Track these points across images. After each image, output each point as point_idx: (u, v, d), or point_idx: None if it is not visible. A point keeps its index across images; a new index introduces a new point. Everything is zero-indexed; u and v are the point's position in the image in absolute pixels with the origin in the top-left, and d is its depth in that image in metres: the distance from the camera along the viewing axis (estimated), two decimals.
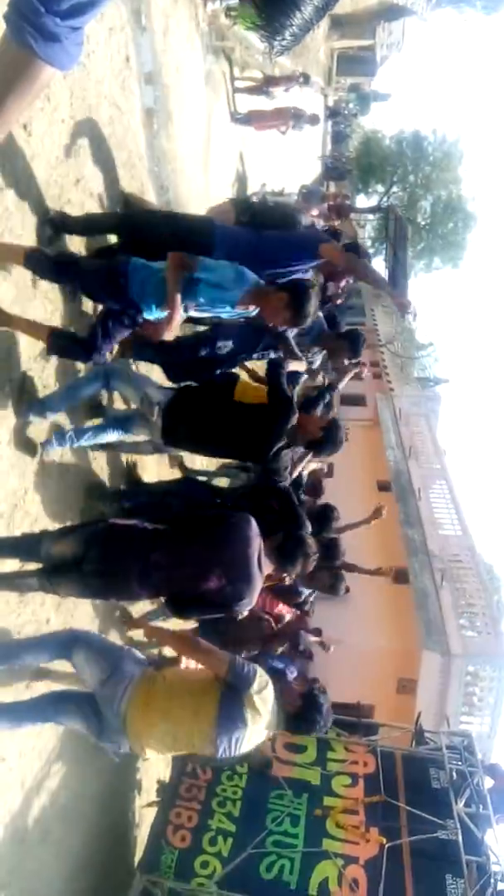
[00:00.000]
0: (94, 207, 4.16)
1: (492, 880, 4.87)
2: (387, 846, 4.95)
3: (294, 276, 3.93)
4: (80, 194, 3.97)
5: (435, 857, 5.01)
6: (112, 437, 3.87)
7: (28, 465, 3.41)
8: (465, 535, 13.07)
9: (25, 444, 3.37)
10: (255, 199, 5.44)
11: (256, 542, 2.92)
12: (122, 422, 3.89)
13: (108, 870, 4.76)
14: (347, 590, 4.89)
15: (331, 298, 5.17)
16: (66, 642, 3.01)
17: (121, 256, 3.32)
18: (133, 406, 3.95)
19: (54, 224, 3.55)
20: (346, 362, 4.71)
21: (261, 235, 4.02)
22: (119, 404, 4.51)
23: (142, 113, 5.33)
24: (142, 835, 5.35)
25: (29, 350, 3.38)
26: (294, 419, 3.53)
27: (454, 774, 5.67)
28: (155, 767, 5.68)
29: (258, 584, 2.88)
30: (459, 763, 5.83)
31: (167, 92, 6.11)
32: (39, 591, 3.04)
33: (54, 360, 3.63)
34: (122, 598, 3.05)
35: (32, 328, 3.22)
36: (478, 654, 10.38)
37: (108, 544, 2.81)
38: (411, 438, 15.70)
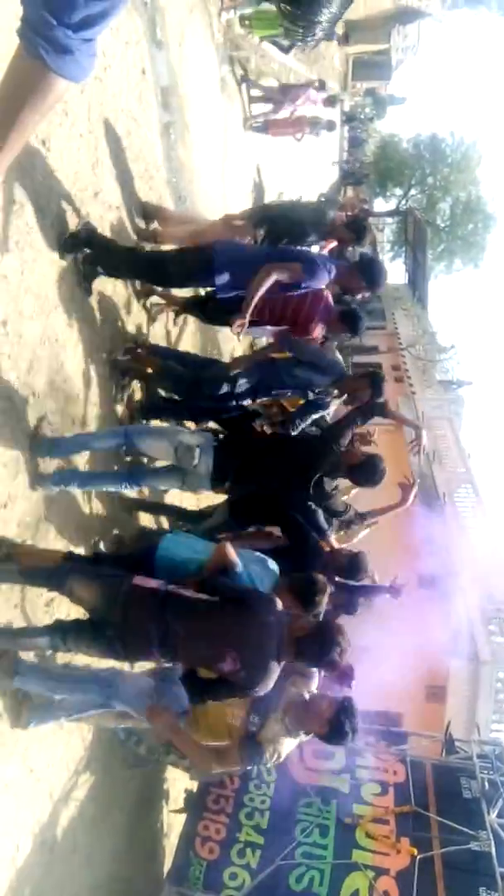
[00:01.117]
0: (113, 220, 4.21)
1: None
2: (418, 858, 4.87)
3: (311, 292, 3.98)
4: (100, 207, 4.01)
5: (468, 869, 4.91)
6: (121, 488, 3.83)
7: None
8: (493, 539, 12.88)
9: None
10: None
11: (277, 631, 2.78)
12: (138, 477, 3.85)
13: (136, 880, 4.76)
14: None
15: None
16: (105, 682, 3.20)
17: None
18: (159, 463, 3.91)
19: (79, 237, 3.58)
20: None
21: (272, 249, 4.03)
22: None
23: (159, 124, 5.38)
24: (170, 844, 5.33)
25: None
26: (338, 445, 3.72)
27: (486, 784, 5.56)
28: (183, 777, 5.66)
29: (274, 673, 2.77)
30: (491, 772, 5.72)
31: (183, 103, 6.16)
32: (49, 649, 2.96)
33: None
34: (142, 659, 2.98)
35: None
36: None
37: (131, 609, 2.74)
38: (435, 442, 15.53)
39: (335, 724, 3.01)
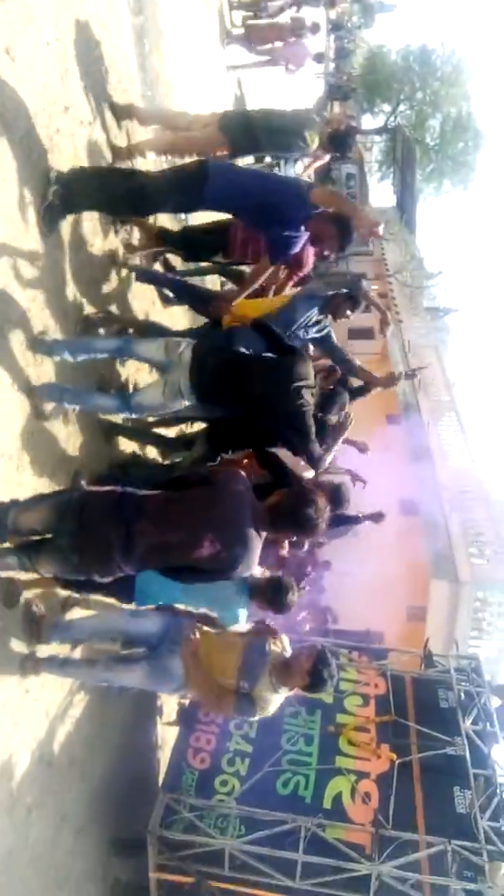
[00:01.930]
0: (84, 136, 4.01)
1: (498, 791, 5.10)
2: (397, 762, 5.19)
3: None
4: (70, 122, 3.82)
5: (443, 771, 5.25)
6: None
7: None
8: (475, 466, 13.12)
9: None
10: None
11: (249, 499, 2.64)
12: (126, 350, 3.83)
13: (132, 790, 5.03)
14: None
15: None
16: None
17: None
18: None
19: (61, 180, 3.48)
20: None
21: (255, 182, 3.84)
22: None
23: (131, 32, 5.05)
24: (164, 756, 5.62)
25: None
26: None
27: (462, 695, 5.87)
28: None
29: (256, 546, 2.61)
30: (467, 684, 6.03)
31: (157, 9, 5.78)
32: (19, 570, 2.77)
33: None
34: (104, 572, 2.64)
35: None
36: (487, 580, 10.58)
37: (84, 514, 2.53)
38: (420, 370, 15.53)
39: (315, 674, 3.29)
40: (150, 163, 4.75)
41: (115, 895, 4.78)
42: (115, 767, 4.68)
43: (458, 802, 5.03)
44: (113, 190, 3.69)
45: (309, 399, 3.60)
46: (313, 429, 3.62)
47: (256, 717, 3.67)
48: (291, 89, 15.24)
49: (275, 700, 3.47)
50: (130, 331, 4.58)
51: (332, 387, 4.48)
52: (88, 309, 4.11)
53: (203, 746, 5.19)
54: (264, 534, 2.65)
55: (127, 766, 4.95)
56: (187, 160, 4.22)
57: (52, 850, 3.82)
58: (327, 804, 4.93)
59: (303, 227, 3.79)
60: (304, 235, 3.87)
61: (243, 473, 2.74)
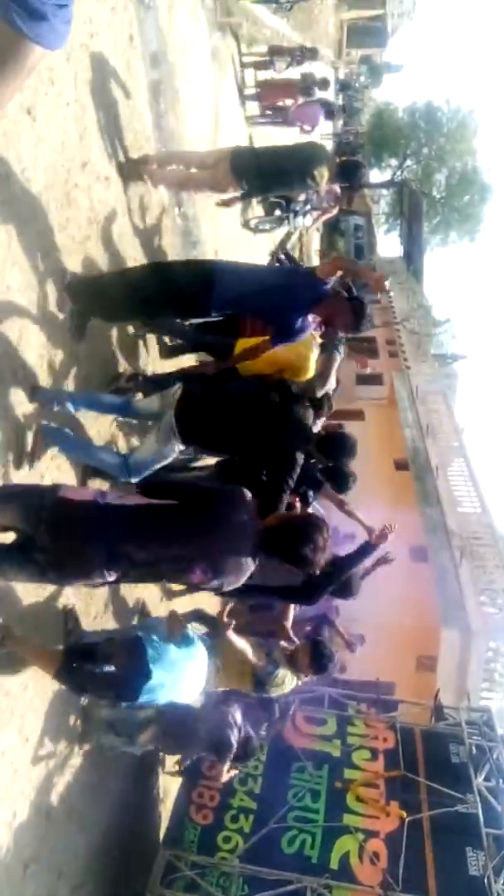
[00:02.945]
0: (101, 191, 4.15)
1: None
2: (407, 820, 5.02)
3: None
4: (88, 177, 3.96)
5: (455, 830, 5.07)
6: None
7: None
8: (485, 512, 13.00)
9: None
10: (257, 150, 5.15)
11: (250, 528, 2.41)
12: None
13: (132, 844, 4.87)
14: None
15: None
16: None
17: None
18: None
19: (71, 289, 3.56)
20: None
21: (261, 271, 3.92)
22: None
23: (148, 93, 5.28)
24: (166, 810, 5.46)
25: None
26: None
27: (474, 749, 5.72)
28: None
29: (248, 572, 2.43)
30: (479, 738, 5.87)
31: (173, 71, 6.04)
32: None
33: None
34: (87, 584, 2.43)
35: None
36: (499, 630, 10.36)
37: (60, 530, 2.24)
38: (428, 416, 15.58)
39: (317, 662, 4.07)
40: (161, 197, 4.82)
41: None
42: (114, 820, 4.55)
43: (471, 864, 4.85)
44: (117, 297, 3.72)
45: (301, 452, 3.54)
46: (291, 480, 3.47)
47: (273, 694, 4.26)
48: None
49: (289, 681, 4.18)
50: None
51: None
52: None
53: (206, 802, 5.06)
54: (259, 556, 2.45)
55: (127, 820, 4.81)
56: (198, 195, 4.22)
57: None
58: (334, 864, 4.76)
59: (311, 310, 3.72)
60: (313, 318, 3.82)
61: (248, 495, 2.47)
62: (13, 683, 3.25)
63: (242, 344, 4.38)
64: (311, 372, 4.31)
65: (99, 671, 3.46)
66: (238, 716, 4.23)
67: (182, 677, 3.59)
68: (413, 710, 6.52)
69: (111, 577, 2.35)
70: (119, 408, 3.80)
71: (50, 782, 3.72)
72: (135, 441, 4.51)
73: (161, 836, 5.13)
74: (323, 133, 20.80)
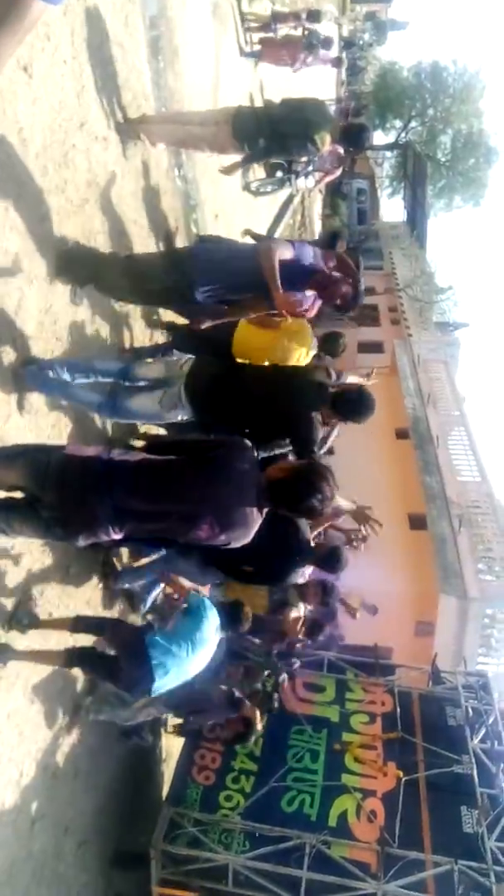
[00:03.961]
0: (99, 152, 4.06)
1: None
2: (404, 780, 5.14)
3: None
4: (86, 138, 3.87)
5: (450, 789, 5.20)
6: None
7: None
8: (484, 481, 13.02)
9: None
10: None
11: (253, 477, 2.38)
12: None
13: (136, 803, 5.01)
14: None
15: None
16: None
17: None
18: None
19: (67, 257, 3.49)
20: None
21: (240, 246, 3.83)
22: None
23: (146, 50, 5.13)
24: (168, 770, 5.59)
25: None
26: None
27: (470, 712, 5.82)
28: None
29: (255, 522, 2.40)
30: (475, 701, 5.98)
31: (172, 27, 5.86)
32: None
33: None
34: (92, 539, 2.47)
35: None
36: (496, 597, 10.48)
37: (65, 487, 2.25)
38: (430, 385, 15.50)
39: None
40: (160, 158, 4.71)
41: None
42: (119, 780, 4.66)
43: (466, 822, 4.99)
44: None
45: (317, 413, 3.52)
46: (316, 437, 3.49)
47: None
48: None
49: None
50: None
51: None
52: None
53: (208, 764, 5.17)
54: (265, 510, 2.41)
55: (131, 779, 4.93)
56: (198, 155, 4.07)
57: (54, 862, 3.81)
58: (332, 822, 4.89)
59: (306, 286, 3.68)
60: (310, 294, 3.79)
61: (249, 445, 2.45)
62: (20, 645, 3.30)
63: (239, 343, 4.25)
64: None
65: (103, 658, 3.65)
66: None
67: (188, 670, 3.57)
68: (411, 675, 6.63)
69: (117, 535, 2.36)
70: (117, 374, 3.69)
71: (56, 743, 3.80)
72: None
73: (164, 794, 5.27)
74: (328, 100, 20.32)
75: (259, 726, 4.41)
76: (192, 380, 3.43)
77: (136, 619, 4.60)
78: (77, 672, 3.95)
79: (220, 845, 4.71)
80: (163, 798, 5.23)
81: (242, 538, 2.40)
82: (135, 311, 4.77)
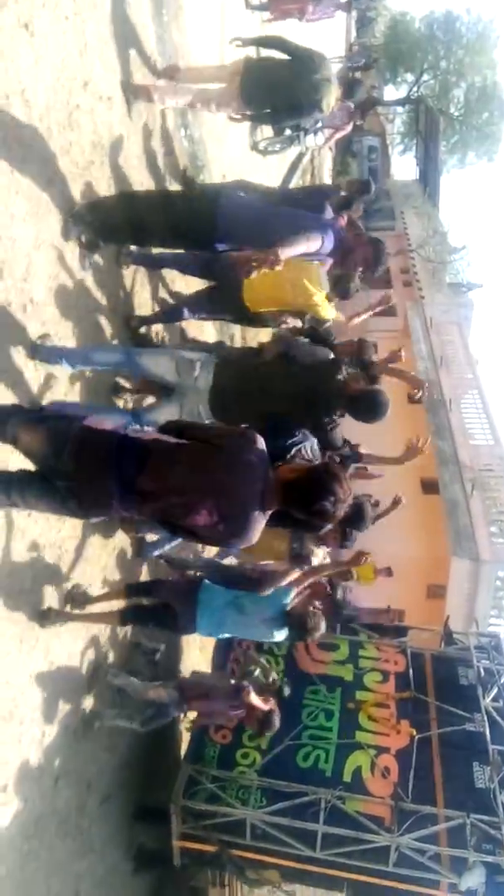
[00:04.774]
0: (104, 113, 3.97)
1: None
2: (417, 737, 5.23)
3: None
4: (90, 98, 3.78)
5: (463, 746, 5.29)
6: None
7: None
8: (498, 444, 12.96)
9: None
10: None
11: (261, 472, 2.35)
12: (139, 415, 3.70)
13: (155, 761, 5.14)
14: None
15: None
16: None
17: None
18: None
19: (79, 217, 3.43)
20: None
21: (269, 212, 3.74)
22: None
23: (150, 5, 4.97)
24: (185, 731, 5.72)
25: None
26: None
27: (482, 672, 5.89)
28: (198, 664, 6.01)
29: (258, 523, 2.34)
30: (487, 661, 6.04)
31: None
32: (7, 506, 2.55)
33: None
34: (101, 516, 2.52)
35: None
36: None
37: (82, 457, 2.30)
38: (442, 348, 15.32)
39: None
40: (166, 118, 4.67)
41: (138, 861, 4.92)
42: (139, 738, 4.78)
43: (478, 777, 5.08)
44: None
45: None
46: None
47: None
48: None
49: (320, 553, 4.27)
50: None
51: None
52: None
53: (224, 723, 5.27)
54: (269, 512, 2.36)
55: (151, 738, 5.04)
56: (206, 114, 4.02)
57: (78, 816, 3.94)
58: (347, 777, 5.00)
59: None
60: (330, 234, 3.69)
61: (260, 439, 2.41)
62: (37, 613, 3.36)
63: (250, 284, 4.23)
64: (325, 313, 4.15)
65: (154, 609, 4.16)
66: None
67: (227, 623, 4.07)
68: (423, 636, 6.70)
69: (126, 512, 2.40)
70: (121, 364, 3.62)
71: (77, 703, 3.89)
72: None
73: (183, 753, 5.40)
74: (336, 57, 19.63)
75: (274, 710, 4.52)
76: (216, 396, 3.39)
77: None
78: (99, 633, 4.03)
79: (238, 801, 4.84)
80: (182, 756, 5.36)
81: (242, 535, 2.34)
82: (142, 280, 4.72)
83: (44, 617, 3.42)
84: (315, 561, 4.27)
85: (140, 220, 3.61)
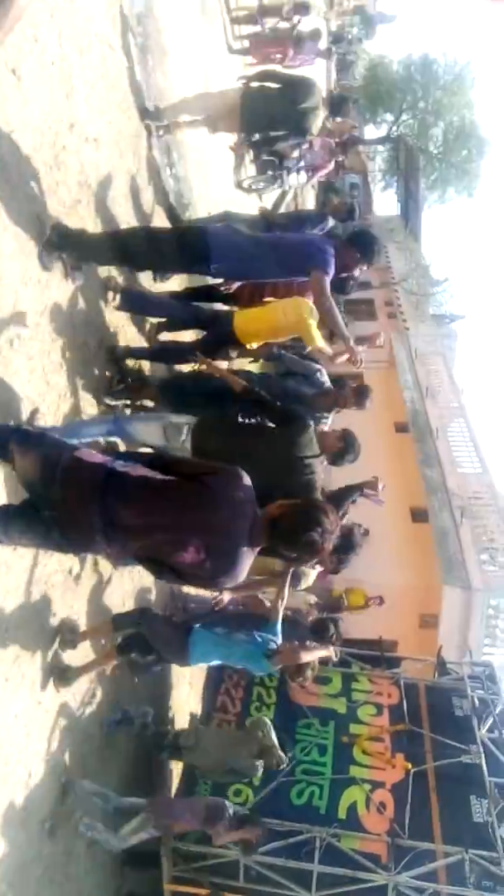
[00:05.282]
0: (90, 153, 4.07)
1: None
2: (412, 771, 5.15)
3: None
4: (76, 139, 3.88)
5: (459, 780, 5.22)
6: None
7: None
8: (485, 471, 13.05)
9: None
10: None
11: (248, 509, 2.36)
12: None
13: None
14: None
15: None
16: None
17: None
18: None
19: (57, 234, 3.47)
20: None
21: (259, 244, 3.89)
22: None
23: (135, 50, 5.13)
24: (177, 768, 5.59)
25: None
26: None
27: (476, 702, 5.84)
28: (187, 701, 5.92)
29: (246, 561, 2.35)
30: (482, 691, 5.99)
31: (160, 26, 5.86)
32: None
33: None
34: (87, 551, 2.50)
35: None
36: (499, 587, 10.50)
37: (69, 487, 2.27)
38: (428, 378, 15.52)
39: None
40: (151, 157, 5.03)
41: None
42: (128, 780, 4.67)
43: (475, 811, 5.00)
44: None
45: (316, 469, 3.61)
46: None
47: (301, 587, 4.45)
48: None
49: (311, 575, 4.40)
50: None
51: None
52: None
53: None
54: (257, 549, 2.37)
55: (140, 778, 4.94)
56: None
57: (65, 863, 3.82)
58: (342, 814, 4.91)
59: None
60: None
61: (246, 476, 2.44)
62: (25, 652, 3.31)
63: (241, 315, 4.36)
64: (315, 339, 4.25)
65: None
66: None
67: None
68: (416, 667, 6.64)
69: (110, 549, 2.37)
70: (111, 433, 3.68)
71: (64, 743, 3.80)
72: None
73: (174, 793, 5.27)
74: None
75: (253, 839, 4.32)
76: (198, 454, 3.49)
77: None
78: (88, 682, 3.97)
79: (231, 841, 4.72)
80: (173, 796, 5.23)
81: (229, 573, 2.34)
82: (128, 321, 4.76)
83: (54, 674, 3.55)
84: (304, 584, 4.32)
85: (124, 248, 3.72)
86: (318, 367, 4.58)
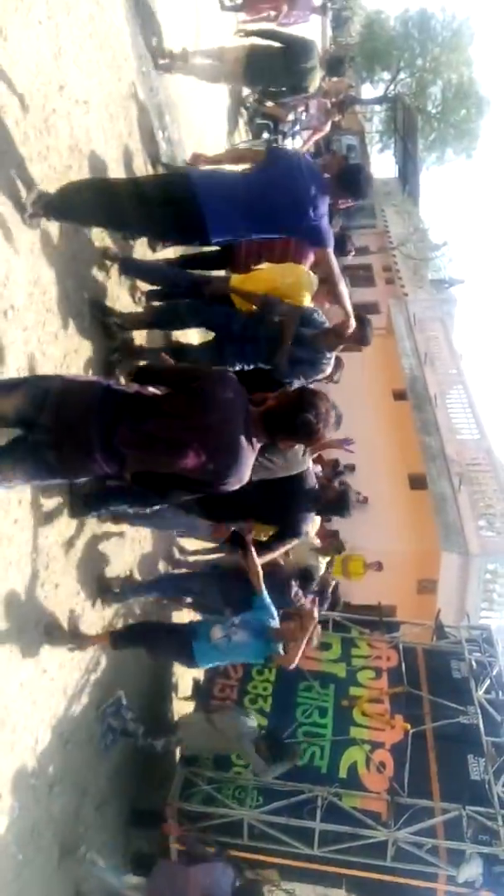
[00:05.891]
0: (80, 117, 3.96)
1: None
2: (411, 731, 5.26)
3: None
4: (66, 102, 3.77)
5: (457, 739, 5.33)
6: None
7: None
8: (484, 438, 13.05)
9: None
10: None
11: (240, 405, 2.39)
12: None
13: (151, 764, 5.12)
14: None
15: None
16: None
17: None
18: None
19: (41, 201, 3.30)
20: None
21: (251, 192, 3.46)
22: None
23: (124, 7, 4.96)
24: None
25: None
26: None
27: (474, 664, 5.93)
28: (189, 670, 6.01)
29: (247, 456, 2.36)
30: (479, 654, 6.08)
31: None
32: None
33: None
34: (82, 474, 2.46)
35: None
36: (497, 553, 10.60)
37: (63, 409, 2.26)
38: (426, 344, 15.40)
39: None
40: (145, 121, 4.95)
41: (136, 866, 4.90)
42: (132, 744, 4.76)
43: (473, 769, 5.12)
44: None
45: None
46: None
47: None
48: None
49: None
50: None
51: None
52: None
53: None
54: (258, 445, 2.41)
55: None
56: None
57: (74, 823, 3.92)
58: (343, 774, 5.02)
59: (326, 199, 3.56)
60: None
61: (233, 376, 2.45)
62: (29, 622, 3.35)
63: (238, 279, 4.30)
64: (305, 299, 4.21)
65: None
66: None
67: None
68: (415, 631, 6.73)
69: (109, 469, 2.36)
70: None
71: (69, 711, 3.87)
72: None
73: (178, 758, 5.39)
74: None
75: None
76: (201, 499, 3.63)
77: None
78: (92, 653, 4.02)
79: (235, 801, 4.84)
80: (177, 759, 5.35)
81: (232, 469, 2.34)
82: (126, 283, 4.71)
83: (47, 633, 3.53)
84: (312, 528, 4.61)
85: (112, 205, 3.44)
86: (313, 307, 4.46)
